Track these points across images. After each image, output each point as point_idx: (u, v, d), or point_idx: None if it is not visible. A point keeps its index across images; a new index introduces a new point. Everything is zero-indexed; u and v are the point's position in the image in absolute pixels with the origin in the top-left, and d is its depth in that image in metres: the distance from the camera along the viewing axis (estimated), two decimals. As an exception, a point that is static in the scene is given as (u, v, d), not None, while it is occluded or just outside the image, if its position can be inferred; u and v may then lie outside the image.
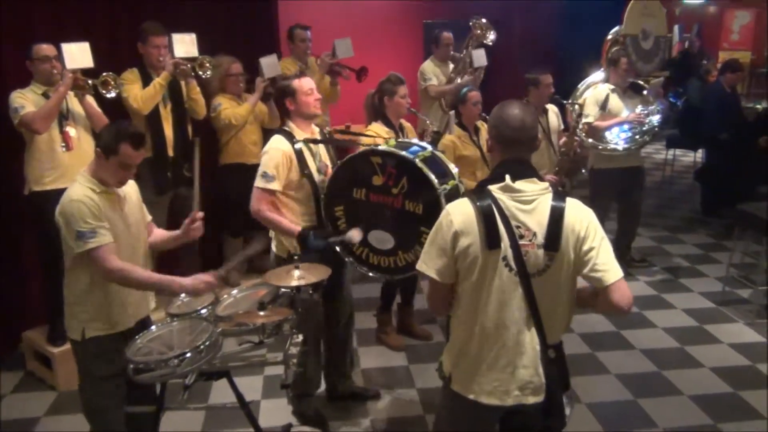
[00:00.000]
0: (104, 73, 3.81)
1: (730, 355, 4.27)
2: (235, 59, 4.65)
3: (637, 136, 5.09)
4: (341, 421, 3.56)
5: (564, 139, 4.74)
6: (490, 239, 2.00)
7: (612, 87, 5.14)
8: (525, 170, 2.08)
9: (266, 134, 4.29)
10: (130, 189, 2.78)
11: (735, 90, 6.89)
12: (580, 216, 2.04)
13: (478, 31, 5.62)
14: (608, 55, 5.45)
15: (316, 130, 3.36)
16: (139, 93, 4.08)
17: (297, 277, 2.60)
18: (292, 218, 3.17)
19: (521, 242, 2.01)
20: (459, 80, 5.59)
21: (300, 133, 3.21)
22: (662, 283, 5.41)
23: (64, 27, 4.07)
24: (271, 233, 3.32)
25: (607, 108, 4.99)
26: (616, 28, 5.74)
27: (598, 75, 5.84)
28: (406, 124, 4.06)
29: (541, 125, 4.61)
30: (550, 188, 2.08)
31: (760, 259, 4.92)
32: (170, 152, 4.30)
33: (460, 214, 2.05)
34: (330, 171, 3.19)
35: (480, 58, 5.49)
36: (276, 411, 3.58)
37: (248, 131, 4.69)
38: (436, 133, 3.97)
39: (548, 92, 4.67)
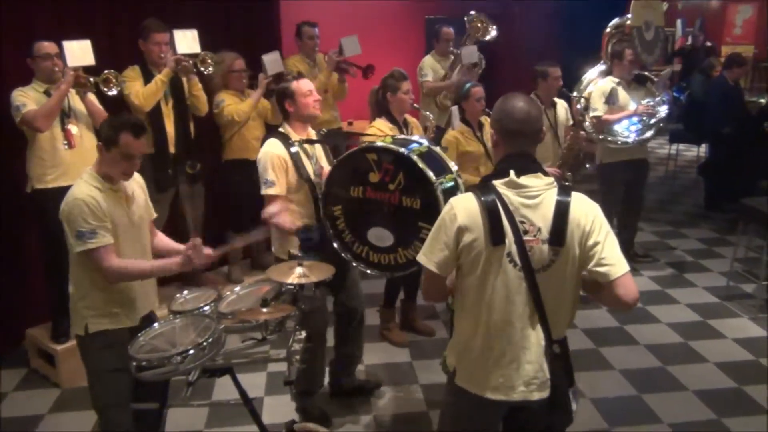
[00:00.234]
0: (106, 71, 3.81)
1: (734, 350, 4.25)
2: (237, 55, 4.65)
3: (647, 129, 5.08)
4: (345, 417, 3.56)
5: (571, 133, 4.72)
6: (495, 235, 1.99)
7: (617, 80, 5.12)
8: (530, 164, 2.07)
9: (270, 130, 4.29)
10: (137, 185, 2.78)
11: (738, 84, 6.87)
12: (585, 210, 2.03)
13: (479, 24, 5.59)
14: (610, 48, 5.43)
15: (313, 132, 3.35)
16: (140, 90, 4.08)
17: (300, 274, 2.60)
18: (291, 220, 3.17)
19: (526, 238, 2.00)
20: (453, 77, 5.57)
21: (295, 136, 3.21)
22: (666, 278, 5.40)
23: (64, 25, 4.06)
24: (272, 233, 3.31)
25: (617, 102, 4.98)
26: (615, 21, 5.71)
27: (599, 68, 5.81)
28: (412, 120, 4.05)
29: (548, 118, 4.60)
30: (555, 183, 2.06)
31: (764, 254, 4.90)
32: (171, 149, 4.30)
33: (464, 209, 2.03)
34: (326, 173, 3.19)
35: (469, 55, 5.45)
36: (279, 408, 3.58)
37: (251, 127, 4.69)
38: (439, 129, 3.96)
39: (557, 85, 4.66)
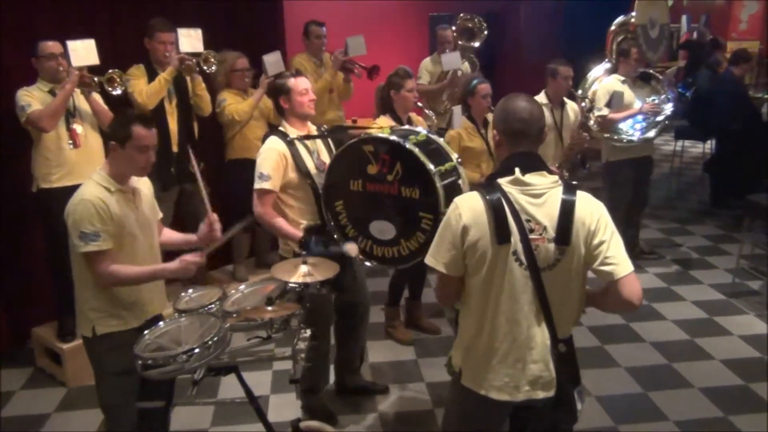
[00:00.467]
0: (110, 70, 3.81)
1: (740, 347, 4.24)
2: (240, 54, 4.64)
3: (652, 127, 5.06)
4: (350, 415, 3.56)
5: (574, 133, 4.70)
6: (500, 234, 1.99)
7: (622, 78, 5.10)
8: (534, 163, 2.06)
9: (272, 130, 4.30)
10: (144, 186, 2.79)
11: (742, 80, 6.83)
12: (590, 209, 2.02)
13: (469, 26, 5.58)
14: (615, 46, 5.41)
15: (313, 128, 3.34)
16: (144, 88, 4.08)
17: (305, 272, 2.60)
18: (294, 217, 3.17)
19: (531, 236, 1.99)
20: (445, 81, 5.62)
21: (294, 132, 3.20)
22: (671, 275, 5.39)
23: (66, 25, 4.06)
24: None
25: (624, 101, 4.96)
26: (620, 18, 5.69)
27: (603, 66, 5.79)
28: (417, 118, 4.04)
29: (553, 118, 4.57)
30: (560, 181, 2.06)
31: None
32: (174, 148, 4.30)
33: (468, 208, 2.03)
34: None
35: (450, 62, 5.43)
36: (285, 406, 3.59)
37: (254, 126, 4.67)
38: (442, 129, 3.94)
39: (566, 85, 4.62)
